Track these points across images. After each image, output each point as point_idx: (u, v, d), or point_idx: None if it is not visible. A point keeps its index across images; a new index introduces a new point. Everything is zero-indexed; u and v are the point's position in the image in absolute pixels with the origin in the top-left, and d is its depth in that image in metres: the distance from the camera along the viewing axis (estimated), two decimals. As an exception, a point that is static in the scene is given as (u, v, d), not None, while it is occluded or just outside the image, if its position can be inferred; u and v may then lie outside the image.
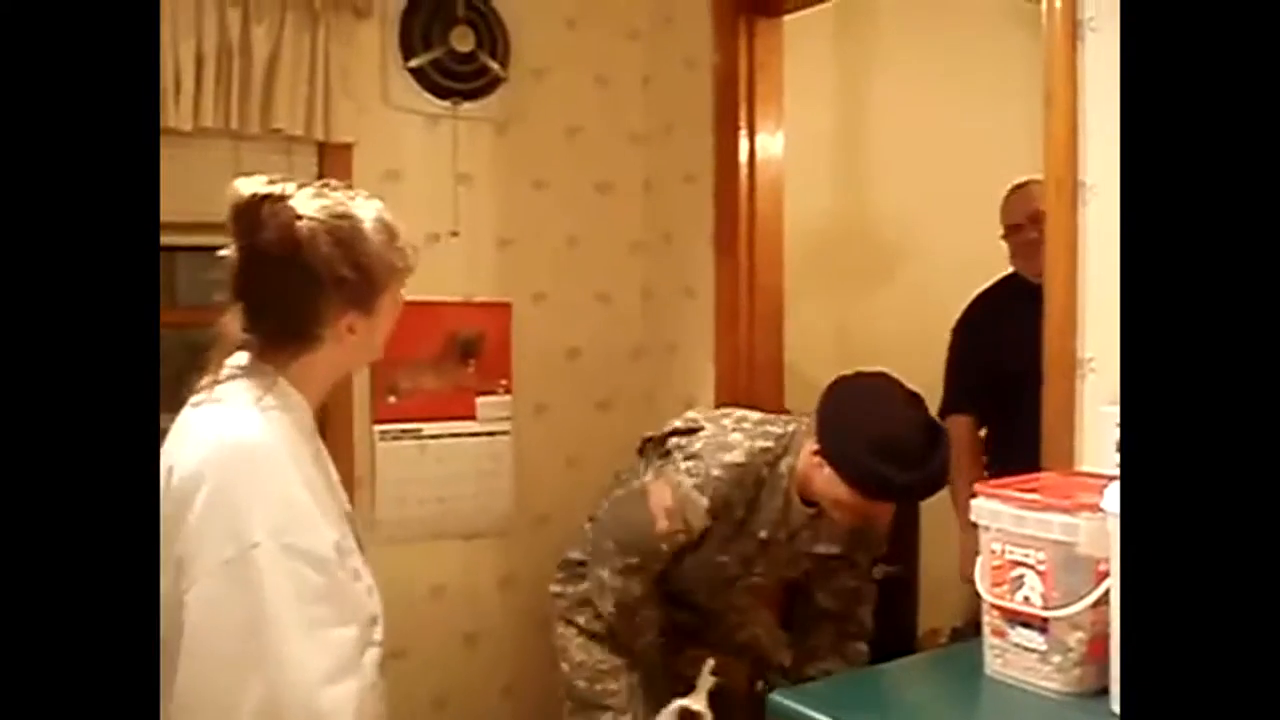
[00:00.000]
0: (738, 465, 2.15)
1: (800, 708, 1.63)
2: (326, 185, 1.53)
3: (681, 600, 2.35)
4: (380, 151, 2.80)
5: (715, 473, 2.14)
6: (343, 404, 2.75)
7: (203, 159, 2.46)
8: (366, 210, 1.53)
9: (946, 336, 3.23)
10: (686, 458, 2.19)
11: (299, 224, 1.44)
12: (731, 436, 2.19)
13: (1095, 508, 1.53)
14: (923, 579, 3.38)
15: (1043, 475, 1.83)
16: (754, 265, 2.87)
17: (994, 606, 1.67)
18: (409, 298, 2.80)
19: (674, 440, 2.28)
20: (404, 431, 2.86)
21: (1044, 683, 1.60)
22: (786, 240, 2.95)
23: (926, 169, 3.63)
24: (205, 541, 1.36)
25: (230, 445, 1.42)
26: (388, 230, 1.54)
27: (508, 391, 3.01)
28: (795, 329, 2.98)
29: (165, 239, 2.52)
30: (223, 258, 1.49)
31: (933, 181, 3.62)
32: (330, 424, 2.71)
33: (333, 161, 2.70)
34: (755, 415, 2.29)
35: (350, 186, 1.58)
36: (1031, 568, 1.61)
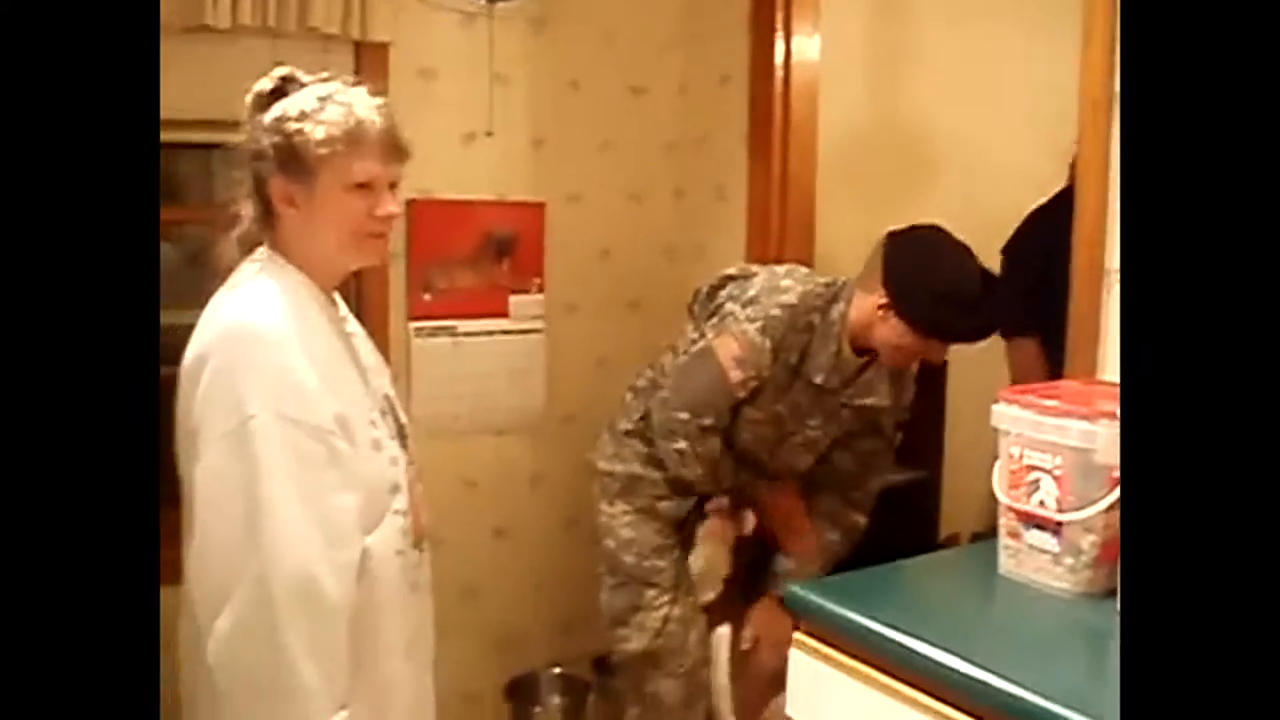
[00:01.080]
0: (792, 306, 2.23)
1: (818, 599, 1.70)
2: (336, 81, 1.64)
3: (745, 459, 2.40)
4: (416, 50, 2.81)
5: (774, 313, 2.22)
6: (378, 299, 2.80)
7: (240, 58, 2.48)
8: (347, 99, 1.60)
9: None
10: (745, 304, 2.26)
11: (267, 106, 1.60)
12: (784, 281, 2.27)
13: (1112, 415, 1.57)
14: (945, 485, 3.44)
15: (1063, 383, 1.86)
16: (786, 169, 2.88)
17: (1010, 509, 1.72)
18: (444, 197, 2.88)
19: (727, 291, 2.35)
20: (438, 328, 2.91)
21: (1056, 583, 1.66)
22: (821, 145, 2.95)
23: (968, 77, 3.60)
24: (208, 416, 1.47)
25: (230, 326, 1.52)
26: (346, 117, 1.58)
27: (540, 290, 3.05)
28: (827, 233, 3.00)
29: (203, 136, 2.59)
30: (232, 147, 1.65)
31: (975, 90, 3.58)
32: (365, 319, 2.76)
33: (369, 60, 2.71)
34: (801, 269, 2.39)
35: (359, 83, 1.67)
36: (1048, 472, 1.65)
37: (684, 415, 2.28)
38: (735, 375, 2.23)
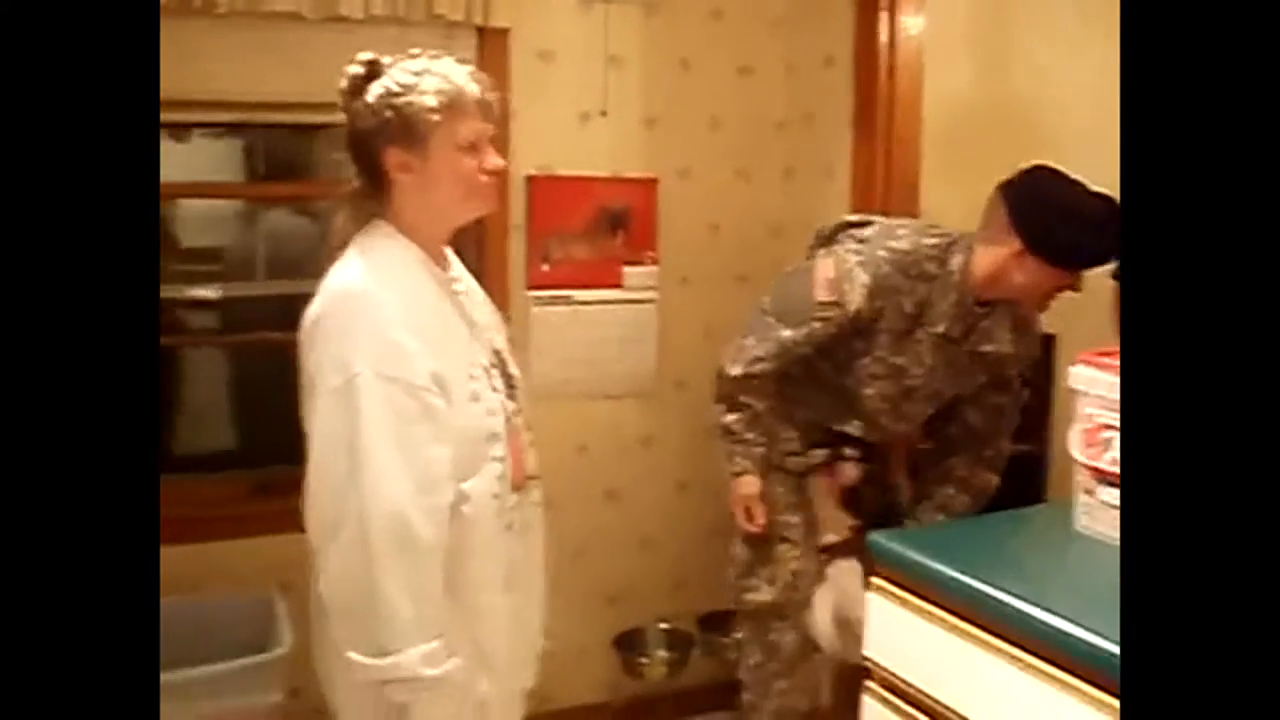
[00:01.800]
0: (903, 251, 2.28)
1: (900, 548, 1.81)
2: (425, 55, 1.78)
3: (870, 420, 2.44)
4: (535, 35, 2.97)
5: (880, 254, 2.27)
6: (499, 269, 2.98)
7: (372, 45, 2.64)
8: (442, 68, 1.75)
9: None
10: (856, 241, 2.33)
11: (366, 81, 1.75)
12: (900, 230, 2.33)
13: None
14: (1054, 456, 3.46)
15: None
16: (891, 147, 2.94)
17: (1085, 466, 1.80)
18: (562, 173, 3.04)
19: (845, 233, 2.40)
20: (555, 297, 3.07)
21: (1128, 537, 1.74)
22: (926, 122, 3.01)
23: (1078, 51, 3.60)
24: (320, 374, 1.67)
25: (339, 292, 1.70)
26: (445, 83, 1.73)
27: (654, 262, 3.19)
28: (932, 211, 3.05)
29: (338, 118, 2.79)
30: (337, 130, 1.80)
31: (1084, 65, 3.58)
32: (487, 289, 2.93)
33: (490, 45, 2.89)
34: (921, 223, 2.45)
35: (442, 55, 1.80)
36: (1120, 430, 1.73)
37: (769, 319, 2.37)
38: (820, 294, 2.29)
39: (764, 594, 2.53)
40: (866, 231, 2.35)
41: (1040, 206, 2.17)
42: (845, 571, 2.47)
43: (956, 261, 2.27)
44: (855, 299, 2.26)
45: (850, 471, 2.47)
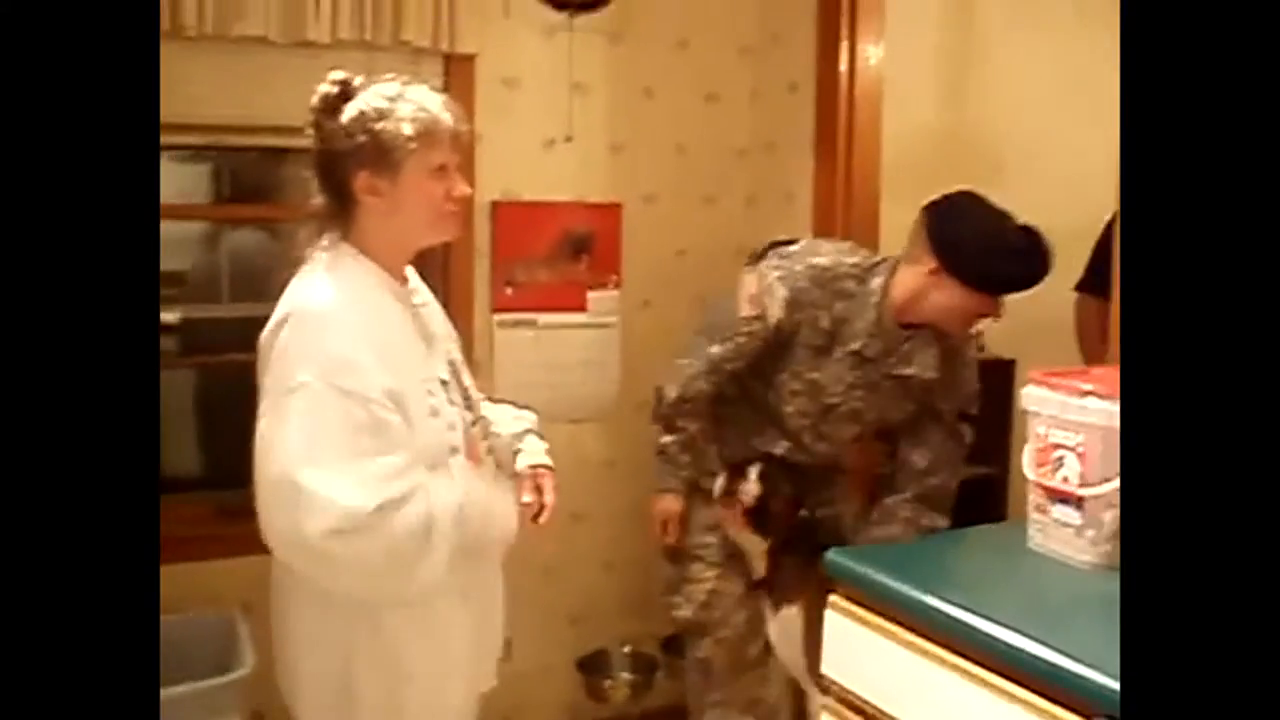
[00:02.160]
0: (822, 267, 2.34)
1: (856, 566, 1.83)
2: (396, 81, 1.80)
3: (794, 439, 2.48)
4: (501, 61, 3.00)
5: (799, 269, 2.34)
6: (464, 293, 3.01)
7: (339, 69, 2.69)
8: (414, 95, 1.77)
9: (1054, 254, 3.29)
10: (780, 258, 2.39)
11: (338, 103, 1.75)
12: (823, 248, 2.40)
13: (1131, 396, 1.68)
14: (1013, 480, 3.52)
15: (1097, 369, 1.96)
16: (851, 173, 2.99)
17: (1037, 485, 1.84)
18: (526, 198, 3.07)
19: (772, 251, 2.45)
20: (520, 321, 3.10)
21: (1079, 556, 1.77)
22: (886, 150, 3.06)
23: (1035, 83, 3.68)
24: (269, 385, 1.69)
25: (297, 309, 1.72)
26: (419, 110, 1.75)
27: (617, 286, 3.23)
28: (891, 237, 3.10)
29: (299, 141, 2.81)
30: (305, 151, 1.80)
31: (1042, 96, 3.67)
32: (452, 311, 2.95)
33: (457, 71, 2.92)
34: (850, 244, 2.51)
35: (409, 81, 1.82)
36: (1071, 449, 1.77)
37: (700, 339, 2.46)
38: (744, 309, 2.37)
39: (684, 611, 2.58)
40: (792, 249, 2.41)
41: (959, 228, 2.22)
42: (786, 623, 2.50)
43: (877, 281, 2.32)
44: (775, 312, 2.34)
45: (751, 490, 2.48)
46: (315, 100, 1.77)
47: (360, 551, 1.65)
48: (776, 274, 2.35)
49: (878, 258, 2.39)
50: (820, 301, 2.32)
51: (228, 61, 2.70)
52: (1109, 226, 3.01)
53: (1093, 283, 3.00)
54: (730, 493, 2.48)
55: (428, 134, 1.75)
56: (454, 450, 1.80)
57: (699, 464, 2.56)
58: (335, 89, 1.76)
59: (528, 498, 1.96)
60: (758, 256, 2.48)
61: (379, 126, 1.73)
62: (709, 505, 2.55)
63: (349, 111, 1.74)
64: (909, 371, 2.37)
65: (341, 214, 1.79)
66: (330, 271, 1.75)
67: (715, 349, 2.43)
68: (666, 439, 2.56)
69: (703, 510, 2.56)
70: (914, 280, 2.27)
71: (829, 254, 2.37)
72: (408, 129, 1.73)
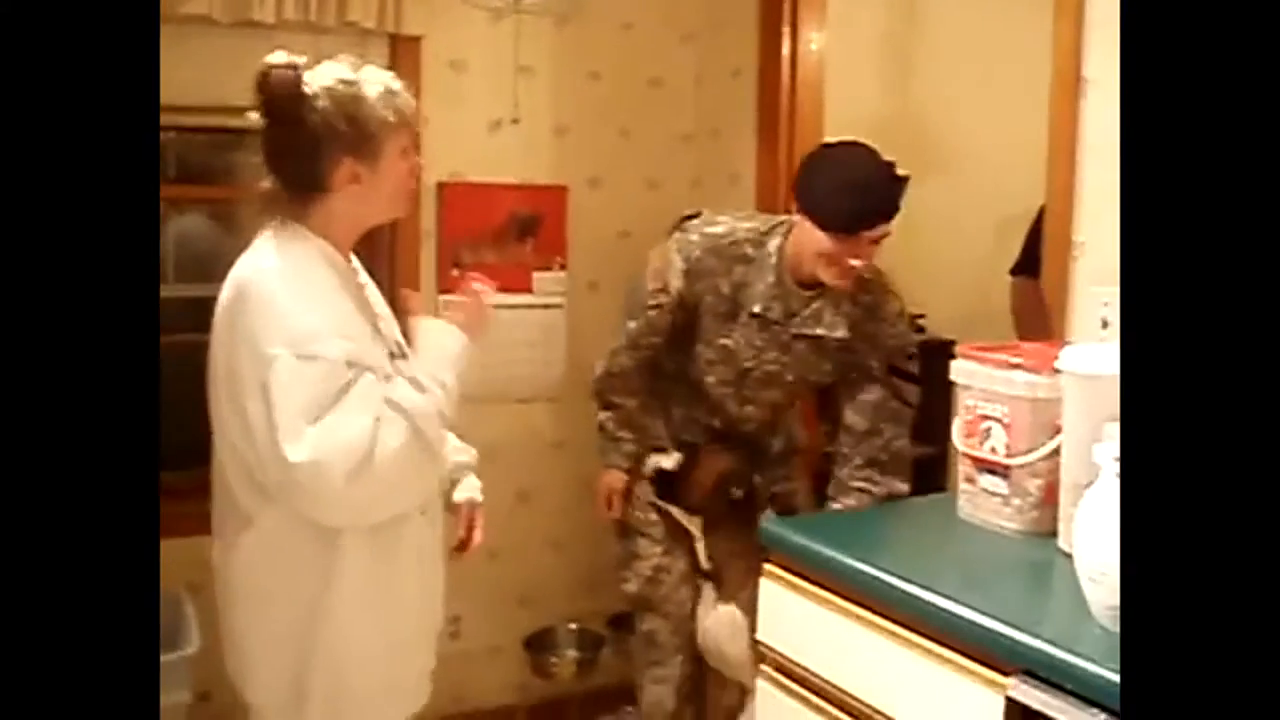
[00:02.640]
0: (716, 234, 2.38)
1: (789, 535, 1.88)
2: (345, 61, 1.78)
3: (719, 407, 2.52)
4: (447, 44, 3.02)
5: (693, 238, 2.39)
6: (410, 274, 3.02)
7: (284, 50, 2.69)
8: (374, 77, 1.77)
9: (988, 236, 3.37)
10: (680, 231, 2.44)
11: (301, 86, 1.71)
12: (720, 217, 2.44)
13: (1055, 369, 1.74)
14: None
15: (1025, 344, 2.02)
16: (793, 157, 3.02)
17: (966, 455, 1.90)
18: (473, 180, 3.09)
19: (678, 226, 2.49)
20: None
21: (1006, 523, 1.83)
22: (829, 135, 3.10)
23: (978, 70, 3.75)
24: (240, 356, 1.68)
25: (253, 279, 1.70)
26: (389, 93, 1.76)
27: (563, 268, 3.26)
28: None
29: (251, 123, 2.80)
30: (252, 124, 1.76)
31: (985, 83, 3.73)
32: (398, 291, 2.98)
33: (403, 53, 2.93)
34: (752, 211, 2.58)
35: (364, 63, 1.81)
36: (998, 420, 1.83)
37: (625, 318, 2.53)
38: (650, 283, 2.43)
39: (631, 585, 2.63)
40: (693, 221, 2.45)
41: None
42: (721, 621, 2.55)
43: (774, 243, 2.35)
44: (675, 283, 2.39)
45: (660, 462, 2.55)
46: (269, 83, 1.73)
47: (382, 478, 1.68)
48: (675, 246, 2.40)
49: (777, 219, 2.40)
50: (718, 269, 2.36)
51: (171, 41, 2.67)
52: (1042, 210, 3.07)
53: (1028, 266, 3.05)
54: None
55: (399, 115, 1.76)
56: None
57: (642, 439, 2.60)
58: (289, 72, 1.73)
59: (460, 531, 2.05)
60: (669, 233, 2.53)
61: (359, 112, 1.72)
62: (657, 490, 2.60)
63: (321, 97, 1.72)
64: (818, 331, 2.37)
65: (303, 199, 1.77)
66: (279, 248, 1.75)
67: (631, 324, 2.50)
68: (603, 415, 2.62)
69: (646, 486, 2.61)
70: (796, 235, 2.31)
71: (725, 222, 2.41)
72: (386, 114, 1.74)
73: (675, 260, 2.39)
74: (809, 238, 2.25)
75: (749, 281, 2.35)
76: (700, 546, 2.59)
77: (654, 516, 2.60)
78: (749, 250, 2.36)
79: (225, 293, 1.74)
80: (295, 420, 1.63)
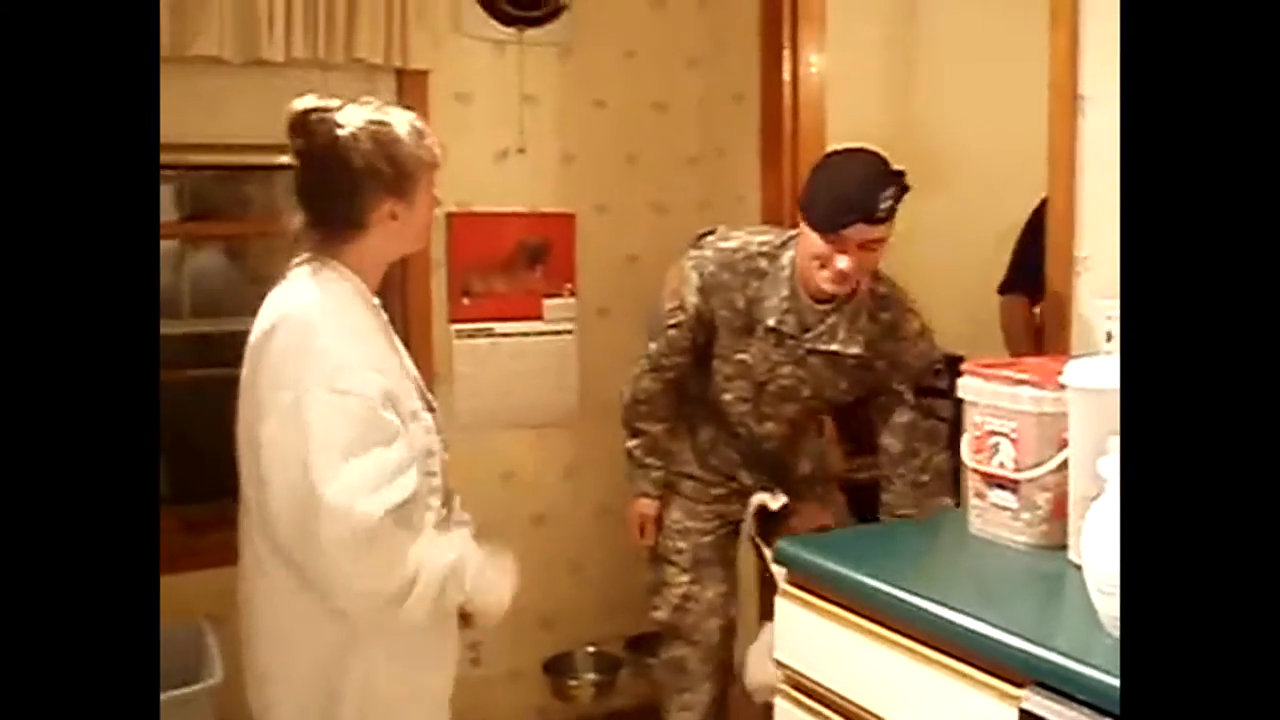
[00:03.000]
0: (730, 249, 2.38)
1: (804, 554, 1.90)
2: (368, 103, 1.83)
3: (740, 424, 2.51)
4: (453, 76, 3.07)
5: (708, 254, 2.40)
6: (422, 303, 3.06)
7: (293, 87, 2.68)
8: (400, 117, 1.82)
9: (990, 250, 3.37)
10: (695, 249, 2.45)
11: (340, 130, 1.76)
12: (734, 233, 2.44)
13: (1061, 384, 1.76)
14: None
15: (1028, 359, 2.05)
16: (797, 177, 3.05)
17: (975, 471, 1.92)
18: (481, 209, 3.13)
19: (693, 245, 2.49)
20: (477, 330, 3.16)
21: (1016, 537, 1.85)
22: (831, 153, 3.15)
23: (978, 89, 3.77)
24: (274, 387, 1.71)
25: (291, 312, 1.75)
26: (418, 132, 1.82)
27: (572, 295, 3.29)
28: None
29: (262, 159, 2.86)
30: (285, 165, 1.81)
31: (984, 102, 3.75)
32: (411, 322, 3.03)
33: (410, 87, 2.98)
34: (766, 227, 2.55)
35: (390, 104, 1.87)
36: (1005, 436, 1.85)
37: (649, 345, 2.53)
38: (667, 304, 2.44)
39: (661, 613, 2.62)
40: (708, 239, 2.45)
41: (812, 175, 2.28)
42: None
43: (788, 256, 2.33)
44: (691, 299, 2.40)
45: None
46: (307, 126, 1.77)
47: (364, 566, 1.69)
48: (690, 263, 2.41)
49: (792, 233, 2.37)
50: (732, 283, 2.36)
51: (183, 81, 2.74)
52: (1027, 228, 3.09)
53: (1016, 283, 3.07)
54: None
55: (431, 154, 1.83)
56: (430, 454, 1.84)
57: (671, 465, 2.61)
58: (327, 115, 1.77)
59: None
60: (687, 251, 2.52)
61: (397, 152, 1.78)
62: (684, 509, 2.60)
63: (362, 139, 1.76)
64: (833, 347, 2.35)
65: (339, 236, 1.81)
66: (316, 280, 1.79)
67: (653, 346, 2.50)
68: (631, 443, 2.61)
69: (675, 513, 2.61)
70: (798, 243, 2.30)
71: (739, 237, 2.41)
72: (420, 152, 1.80)
73: (691, 277, 2.40)
74: (805, 243, 2.26)
75: (764, 295, 2.35)
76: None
77: (681, 545, 2.59)
78: (763, 264, 2.35)
79: (262, 324, 1.78)
80: (331, 456, 1.66)
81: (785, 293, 2.33)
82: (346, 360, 1.71)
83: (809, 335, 2.35)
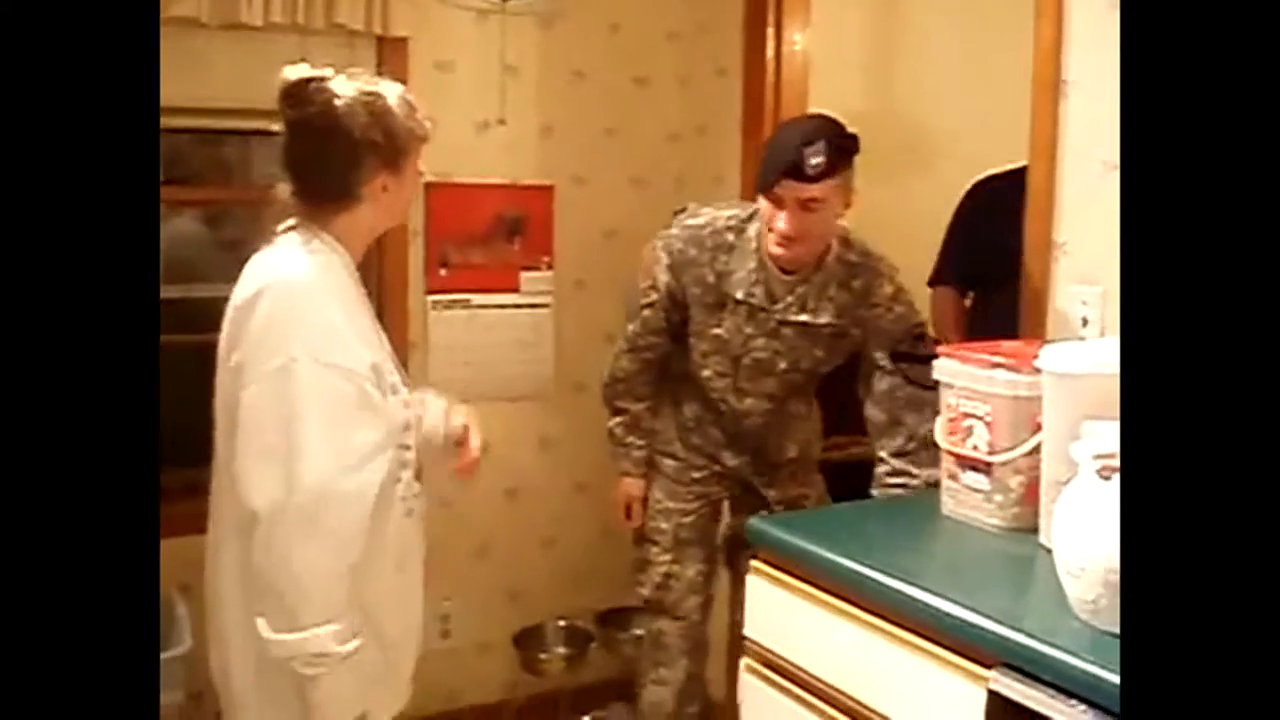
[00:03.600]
0: (697, 225, 2.39)
1: (776, 532, 1.91)
2: (356, 74, 1.82)
3: (716, 402, 2.51)
4: (433, 45, 3.04)
5: (674, 231, 2.42)
6: (398, 274, 3.05)
7: (272, 52, 2.69)
8: (391, 89, 1.82)
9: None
10: (665, 228, 2.47)
11: (337, 100, 1.75)
12: (702, 210, 2.44)
13: (1036, 368, 1.76)
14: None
15: (1005, 342, 2.04)
16: (778, 155, 3.06)
17: (949, 453, 1.92)
18: (460, 180, 3.11)
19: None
20: (454, 301, 3.15)
21: (988, 519, 1.86)
22: (813, 133, 3.14)
23: (961, 68, 3.77)
24: (259, 352, 1.70)
25: (281, 277, 1.74)
26: (409, 105, 1.83)
27: (549, 267, 3.28)
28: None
29: (239, 124, 2.83)
30: (275, 134, 1.80)
31: (968, 81, 3.75)
32: (386, 292, 3.01)
33: (390, 54, 2.95)
34: (735, 201, 2.56)
35: (380, 76, 1.88)
36: (980, 419, 1.85)
37: (628, 326, 2.56)
38: (640, 283, 2.47)
39: (644, 590, 2.63)
40: (679, 217, 2.47)
41: (769, 144, 2.29)
42: None
43: (754, 228, 2.33)
44: (662, 277, 2.42)
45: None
46: (303, 96, 1.76)
47: (314, 545, 1.68)
48: (660, 242, 2.43)
49: (757, 206, 2.32)
50: (700, 259, 2.36)
51: (161, 43, 2.70)
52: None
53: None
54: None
55: (422, 127, 1.83)
56: (406, 426, 1.85)
57: (652, 443, 2.62)
58: (324, 86, 1.77)
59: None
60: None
61: (391, 125, 1.78)
62: (665, 488, 2.60)
63: (357, 111, 1.76)
64: (802, 318, 2.33)
65: (329, 207, 1.81)
66: (305, 249, 1.78)
67: (631, 327, 2.52)
68: (612, 421, 2.62)
69: (656, 493, 2.61)
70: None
71: (706, 214, 2.41)
72: (411, 124, 1.80)
73: (660, 255, 2.42)
74: (761, 212, 2.27)
75: (732, 269, 2.34)
76: None
77: (663, 525, 2.59)
78: (730, 238, 2.36)
79: (245, 289, 1.76)
80: (313, 430, 1.66)
81: (753, 265, 2.33)
82: (336, 332, 1.71)
83: (778, 306, 2.34)
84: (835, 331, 2.36)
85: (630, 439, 2.60)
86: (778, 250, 2.24)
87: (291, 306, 1.71)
